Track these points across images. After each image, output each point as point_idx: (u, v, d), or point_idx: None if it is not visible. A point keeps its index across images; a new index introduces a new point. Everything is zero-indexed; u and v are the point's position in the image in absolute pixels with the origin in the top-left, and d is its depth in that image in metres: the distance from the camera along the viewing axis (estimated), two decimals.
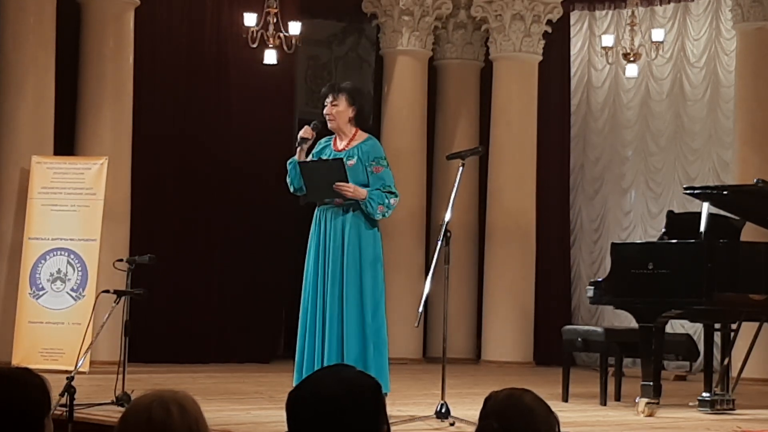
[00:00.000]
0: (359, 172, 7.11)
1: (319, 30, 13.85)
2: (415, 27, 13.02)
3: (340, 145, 7.22)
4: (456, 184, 7.14)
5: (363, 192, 7.03)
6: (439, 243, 7.01)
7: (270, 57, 12.07)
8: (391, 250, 12.76)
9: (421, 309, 7.07)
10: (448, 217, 7.09)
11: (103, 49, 10.90)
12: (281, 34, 11.99)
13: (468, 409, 6.76)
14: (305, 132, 7.19)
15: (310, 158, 7.26)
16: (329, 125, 7.23)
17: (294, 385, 3.33)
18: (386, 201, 7.10)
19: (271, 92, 12.49)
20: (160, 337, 11.23)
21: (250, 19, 11.88)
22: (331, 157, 7.18)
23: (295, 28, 12.06)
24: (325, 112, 7.21)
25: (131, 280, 7.56)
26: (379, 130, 13.10)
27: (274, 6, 11.95)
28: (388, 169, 7.21)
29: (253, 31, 11.86)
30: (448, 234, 7.04)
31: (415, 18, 12.99)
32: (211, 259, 12.04)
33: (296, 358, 7.05)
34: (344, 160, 7.08)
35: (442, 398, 6.87)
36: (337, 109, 7.17)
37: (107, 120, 10.87)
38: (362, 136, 7.25)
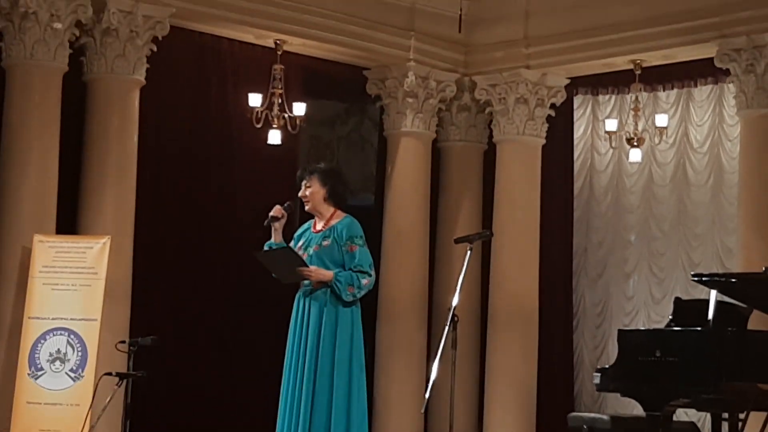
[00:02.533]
0: (335, 252, 7.18)
1: (322, 110, 13.89)
2: (419, 109, 13.05)
3: (318, 226, 7.32)
4: (464, 268, 7.07)
5: (328, 274, 7.09)
6: (447, 328, 6.94)
7: (274, 137, 12.09)
8: (392, 333, 12.72)
9: (427, 395, 6.99)
10: (455, 301, 7.02)
11: (107, 127, 10.89)
12: (285, 115, 12.02)
13: None
14: (275, 211, 7.28)
15: (291, 242, 7.34)
16: (306, 207, 7.32)
17: None
18: (357, 282, 7.12)
19: (274, 171, 12.48)
20: (161, 421, 11.09)
21: (254, 99, 11.92)
22: (308, 242, 7.23)
23: (299, 108, 12.10)
24: (299, 195, 7.30)
25: (133, 361, 7.48)
26: (381, 211, 13.09)
27: (279, 87, 12.00)
28: (364, 248, 7.24)
29: (257, 112, 11.90)
30: (456, 318, 6.97)
31: (419, 100, 13.02)
32: (216, 341, 11.94)
33: None
34: (319, 240, 7.13)
35: None
36: (311, 191, 7.28)
37: (110, 198, 10.83)
38: (340, 215, 7.31)
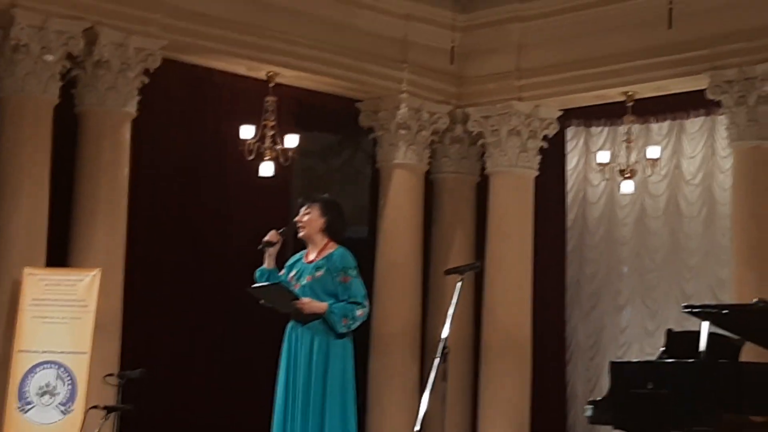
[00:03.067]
0: (328, 283, 7.14)
1: (315, 142, 13.88)
2: (412, 141, 13.04)
3: (311, 256, 7.27)
4: (454, 300, 7.03)
5: (322, 306, 7.05)
6: (437, 360, 6.89)
7: (266, 169, 12.07)
8: (385, 366, 12.66)
9: (417, 427, 6.94)
10: (446, 333, 6.97)
11: (98, 160, 10.87)
12: (278, 147, 12.01)
13: None
14: (270, 236, 7.23)
15: (283, 271, 7.29)
16: (300, 234, 7.28)
17: None
18: (351, 313, 7.09)
19: (266, 204, 12.46)
20: None
21: (246, 131, 11.91)
22: (300, 273, 7.18)
23: (291, 140, 12.09)
24: (296, 219, 7.26)
25: (122, 394, 7.43)
26: (374, 243, 13.06)
27: (271, 119, 11.99)
28: (357, 279, 7.21)
29: (249, 144, 11.89)
30: (447, 350, 6.93)
31: (412, 132, 13.02)
32: (207, 374, 11.88)
33: None
34: (312, 271, 7.08)
35: None
36: (309, 218, 7.25)
37: (101, 231, 10.78)
38: (333, 246, 7.27)
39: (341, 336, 7.11)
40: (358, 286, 7.17)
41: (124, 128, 11.01)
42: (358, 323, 7.14)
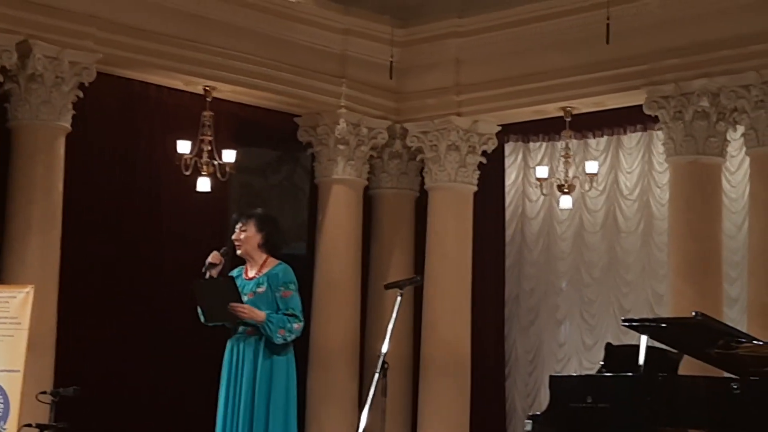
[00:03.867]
0: (269, 299, 7.14)
1: (253, 158, 13.78)
2: (350, 156, 13.00)
3: (251, 273, 7.27)
4: (394, 314, 7.00)
5: (260, 314, 7.05)
6: (377, 375, 6.85)
7: (203, 185, 11.97)
8: (324, 382, 12.58)
9: None
10: (385, 348, 6.94)
11: (32, 175, 10.70)
12: (215, 162, 11.91)
13: None
14: (213, 257, 7.22)
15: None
16: (237, 251, 7.25)
17: None
18: (288, 325, 7.12)
19: (203, 219, 12.36)
20: None
21: (183, 146, 11.81)
22: (240, 289, 7.11)
23: (229, 156, 12.00)
24: (233, 237, 7.23)
25: (55, 412, 7.31)
26: (313, 259, 12.99)
27: (208, 134, 11.89)
28: (296, 294, 7.25)
29: (186, 159, 11.78)
30: (386, 366, 6.89)
31: (350, 147, 12.97)
32: (144, 391, 11.72)
33: None
34: (253, 287, 7.10)
35: None
36: (246, 235, 7.24)
37: (35, 247, 10.62)
38: (273, 262, 7.29)
39: (282, 351, 7.08)
40: (296, 301, 7.21)
41: (59, 143, 10.86)
42: (294, 336, 7.18)
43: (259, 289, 7.13)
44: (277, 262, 7.27)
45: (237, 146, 12.26)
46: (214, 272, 7.20)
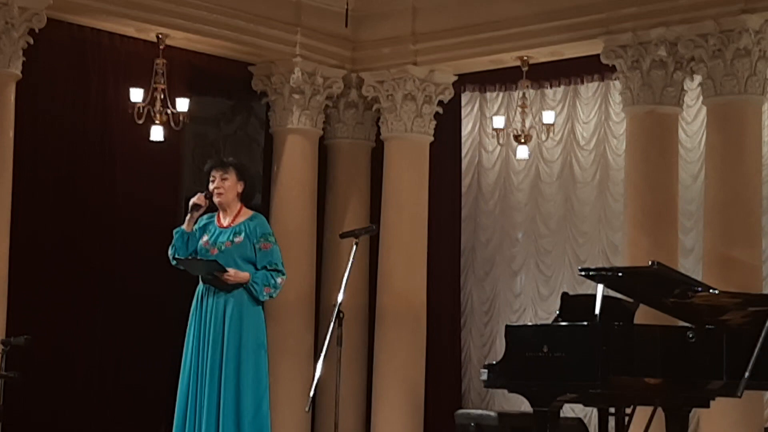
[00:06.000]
0: (247, 249, 7.07)
1: (207, 108, 13.61)
2: (305, 106, 12.87)
3: (225, 221, 7.16)
4: (349, 264, 6.97)
5: (245, 275, 6.99)
6: (332, 324, 6.82)
7: (156, 134, 11.83)
8: (279, 333, 12.51)
9: (312, 393, 6.89)
10: (340, 297, 6.91)
11: None
12: (168, 111, 11.77)
13: None
14: (198, 199, 7.13)
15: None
16: (217, 200, 7.15)
17: None
18: (272, 281, 7.07)
19: (157, 169, 12.23)
20: (38, 424, 10.76)
21: (136, 94, 11.66)
22: (215, 237, 7.05)
23: (182, 104, 11.86)
24: (214, 186, 7.11)
25: (6, 362, 7.21)
26: (268, 210, 12.89)
27: (162, 82, 11.74)
28: (276, 246, 7.19)
29: (139, 107, 11.63)
30: (341, 315, 6.86)
31: (305, 96, 12.84)
32: (98, 340, 11.63)
33: None
34: (230, 236, 6.94)
35: None
36: (228, 184, 7.10)
37: None
38: (247, 212, 7.21)
39: (257, 301, 7.03)
40: (277, 253, 7.18)
41: (9, 89, 10.65)
42: (278, 291, 7.17)
43: (237, 239, 7.05)
44: (251, 212, 7.21)
45: (191, 95, 12.11)
46: (197, 214, 7.11)
